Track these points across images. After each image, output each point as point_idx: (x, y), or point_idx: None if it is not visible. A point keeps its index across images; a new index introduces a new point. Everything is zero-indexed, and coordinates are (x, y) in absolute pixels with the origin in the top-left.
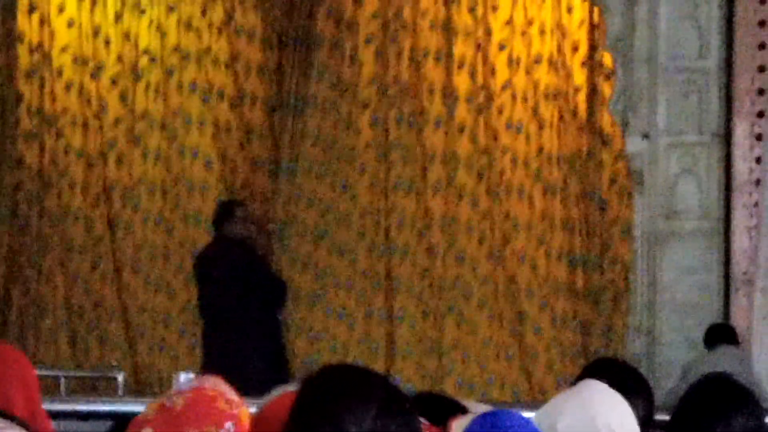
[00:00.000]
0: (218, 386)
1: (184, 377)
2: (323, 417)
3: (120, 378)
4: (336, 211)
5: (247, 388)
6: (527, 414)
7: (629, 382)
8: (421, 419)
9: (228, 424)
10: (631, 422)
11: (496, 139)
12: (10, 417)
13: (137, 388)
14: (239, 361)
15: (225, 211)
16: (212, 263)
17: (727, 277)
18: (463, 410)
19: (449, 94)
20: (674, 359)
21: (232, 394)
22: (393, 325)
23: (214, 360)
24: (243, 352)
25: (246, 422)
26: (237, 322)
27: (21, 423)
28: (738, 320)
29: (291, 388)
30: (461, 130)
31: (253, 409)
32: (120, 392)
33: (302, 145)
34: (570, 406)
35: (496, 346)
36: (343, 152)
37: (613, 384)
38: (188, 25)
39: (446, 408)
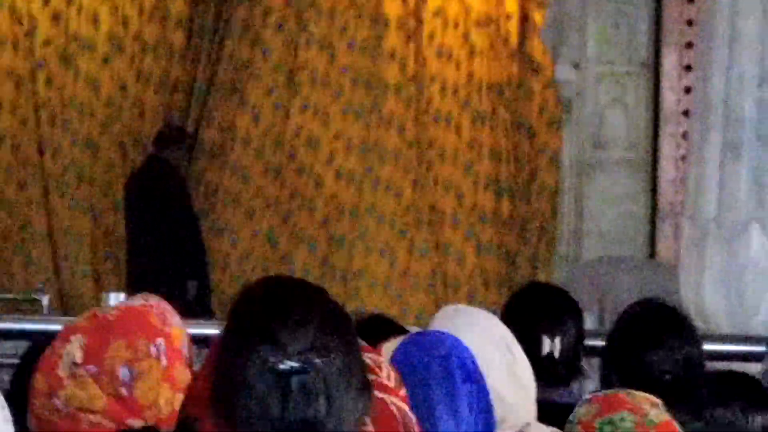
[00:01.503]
0: (151, 301)
1: (113, 296)
2: (260, 334)
3: (44, 300)
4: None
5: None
6: None
7: (560, 304)
8: (363, 341)
9: (159, 341)
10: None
11: (425, 66)
12: None
13: (62, 311)
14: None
15: (175, 137)
16: (149, 186)
17: (653, 207)
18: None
19: (377, 20)
20: None
21: (168, 312)
22: (298, 250)
23: (140, 285)
24: (169, 279)
25: (178, 341)
26: (164, 247)
27: None
28: (663, 250)
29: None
30: (391, 56)
31: (214, 331)
32: (45, 314)
33: (218, 66)
34: (463, 328)
35: (414, 275)
36: (253, 74)
37: (544, 308)
38: None
39: (392, 332)
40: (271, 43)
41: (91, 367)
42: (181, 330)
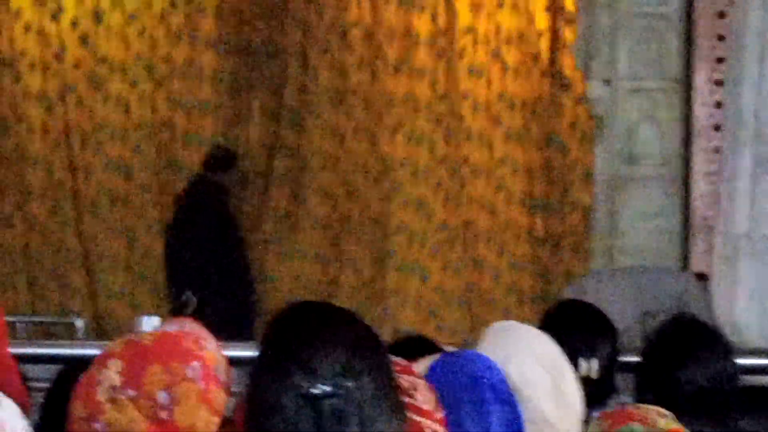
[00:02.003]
0: (187, 327)
1: (146, 320)
2: (292, 359)
3: (79, 324)
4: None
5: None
6: None
7: (595, 323)
8: (400, 359)
9: (195, 363)
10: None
11: (456, 83)
12: None
13: (97, 335)
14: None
15: (225, 159)
16: (184, 209)
17: (686, 222)
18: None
19: (409, 38)
20: None
21: (202, 335)
22: (341, 270)
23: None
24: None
25: (213, 363)
26: (208, 269)
27: None
28: (697, 265)
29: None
30: (421, 74)
31: (248, 353)
32: (80, 337)
33: (264, 90)
34: (510, 346)
35: (448, 292)
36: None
37: (578, 325)
38: None
39: (430, 351)
40: (318, 66)
41: (130, 392)
42: (216, 353)
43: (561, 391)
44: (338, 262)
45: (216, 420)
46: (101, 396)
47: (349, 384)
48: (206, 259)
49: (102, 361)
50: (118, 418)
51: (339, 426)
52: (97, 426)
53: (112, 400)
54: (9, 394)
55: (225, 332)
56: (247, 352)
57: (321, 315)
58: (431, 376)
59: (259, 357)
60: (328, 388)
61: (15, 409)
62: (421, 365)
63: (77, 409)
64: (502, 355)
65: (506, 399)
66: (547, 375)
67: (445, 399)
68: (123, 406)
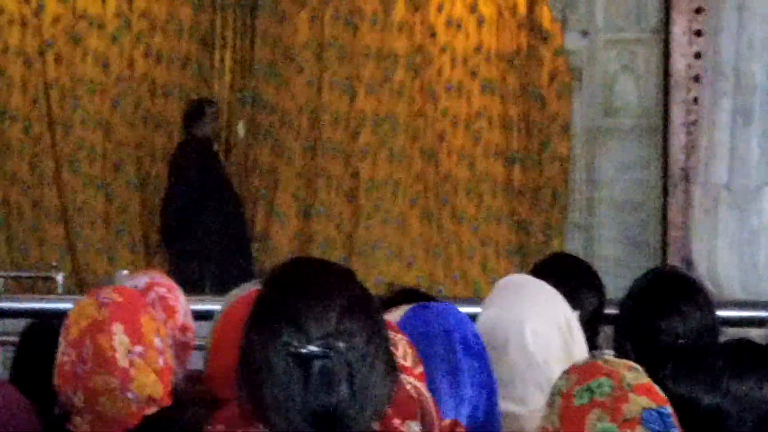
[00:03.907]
0: (157, 278)
1: (125, 275)
2: (284, 317)
3: (59, 278)
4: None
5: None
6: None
7: (581, 277)
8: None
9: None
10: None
11: (433, 35)
12: None
13: (77, 289)
14: (200, 262)
15: (195, 111)
16: (178, 163)
17: (665, 173)
18: None
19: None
20: (611, 256)
21: (169, 285)
22: (319, 223)
23: (177, 261)
24: (204, 251)
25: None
26: (198, 223)
27: None
28: (676, 216)
29: (249, 285)
30: (399, 28)
31: (215, 307)
32: (60, 292)
33: (249, 43)
34: (526, 307)
35: (426, 244)
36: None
37: (564, 279)
38: None
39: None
40: (297, 21)
41: (138, 348)
42: (182, 303)
43: (570, 352)
44: (318, 215)
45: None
46: (123, 362)
47: (340, 344)
48: (204, 219)
49: (103, 329)
50: (142, 381)
51: (328, 386)
52: (130, 395)
53: (132, 364)
54: None
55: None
56: (214, 306)
57: (315, 273)
58: (403, 328)
59: (251, 314)
60: (317, 349)
61: None
62: (392, 317)
63: (102, 380)
64: (517, 317)
65: (477, 352)
66: (561, 340)
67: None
68: (139, 367)
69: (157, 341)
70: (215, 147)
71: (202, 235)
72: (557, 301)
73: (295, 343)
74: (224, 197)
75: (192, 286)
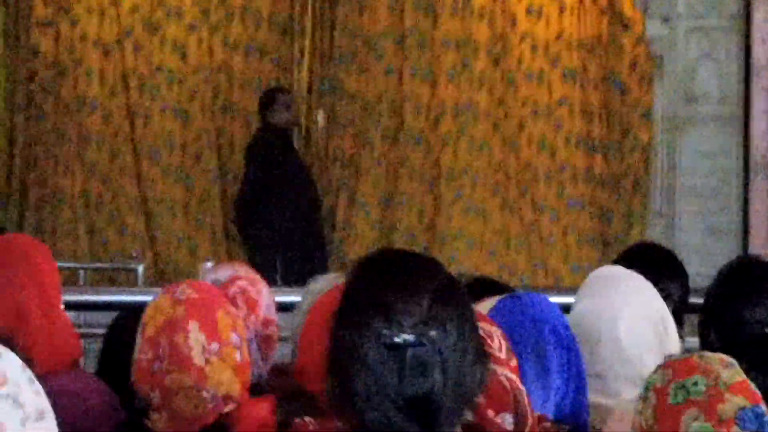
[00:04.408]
0: (241, 271)
1: (211, 266)
2: (375, 307)
3: (140, 269)
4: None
5: (286, 277)
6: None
7: (666, 266)
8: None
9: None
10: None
11: (514, 24)
12: None
13: (157, 280)
14: (273, 251)
15: (267, 99)
16: (251, 153)
17: (746, 161)
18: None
19: None
20: (693, 244)
21: (253, 278)
22: (401, 211)
23: (250, 250)
24: (283, 240)
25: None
26: (272, 212)
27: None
28: (756, 204)
29: (328, 278)
30: (479, 16)
31: (289, 298)
32: (140, 283)
33: (328, 32)
34: (620, 300)
35: (507, 233)
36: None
37: (649, 268)
38: None
39: (499, 293)
40: (377, 9)
41: (214, 345)
42: (265, 295)
43: (664, 347)
44: (400, 204)
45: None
46: (199, 360)
47: (432, 333)
48: (278, 208)
49: (178, 327)
50: (217, 378)
51: (422, 375)
52: (205, 394)
53: (207, 362)
54: (59, 343)
55: (302, 279)
56: (288, 297)
57: (404, 263)
58: (493, 319)
59: (341, 305)
60: (410, 337)
61: (16, 360)
62: (483, 307)
63: (175, 382)
64: (610, 311)
65: (567, 343)
66: (655, 335)
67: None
68: (215, 364)
69: (233, 337)
70: (292, 135)
71: (275, 224)
72: (651, 294)
73: (388, 333)
74: (299, 186)
75: (265, 276)
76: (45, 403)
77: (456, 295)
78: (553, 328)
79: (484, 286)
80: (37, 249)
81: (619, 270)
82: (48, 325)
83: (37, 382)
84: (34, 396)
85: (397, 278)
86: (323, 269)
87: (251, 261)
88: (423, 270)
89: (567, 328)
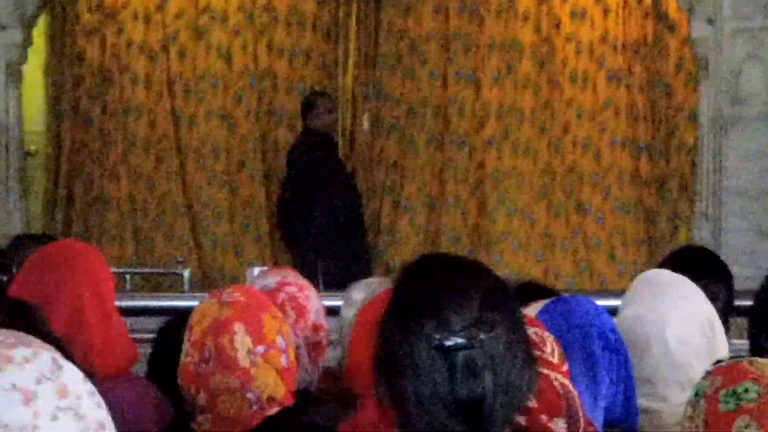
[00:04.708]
0: (289, 277)
1: (258, 270)
2: (424, 310)
3: (186, 274)
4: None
5: (327, 280)
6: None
7: (711, 269)
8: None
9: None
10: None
11: (558, 26)
12: (40, 332)
13: (203, 284)
14: (320, 256)
15: (307, 103)
16: (292, 156)
17: None
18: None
19: None
20: (739, 245)
21: (302, 284)
22: (446, 215)
23: (297, 256)
24: (324, 247)
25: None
26: (313, 215)
27: (47, 332)
28: None
29: (378, 280)
30: (524, 19)
31: (333, 303)
32: (186, 288)
33: (373, 36)
34: (668, 305)
35: (553, 236)
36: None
37: (694, 271)
38: None
39: (545, 297)
40: (422, 12)
41: (260, 347)
42: (315, 301)
43: (713, 351)
44: (445, 207)
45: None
46: (244, 362)
47: (483, 336)
48: (321, 212)
49: (224, 330)
50: (263, 381)
51: (473, 378)
52: (250, 396)
53: (253, 364)
54: (116, 348)
55: (343, 283)
56: (328, 301)
57: (452, 266)
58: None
59: (389, 309)
60: (461, 340)
61: (77, 373)
62: (529, 311)
63: (220, 383)
64: (659, 317)
65: (615, 347)
66: (703, 339)
67: None
68: (260, 367)
69: (279, 340)
70: (335, 139)
71: (316, 227)
72: (698, 298)
73: (438, 336)
74: (340, 189)
75: (306, 280)
76: (105, 416)
77: (505, 298)
78: (601, 331)
79: (530, 291)
80: (93, 255)
81: (666, 274)
82: (105, 331)
83: (97, 395)
84: (95, 408)
85: (447, 281)
86: (364, 273)
87: (294, 264)
88: (472, 273)
89: (615, 331)
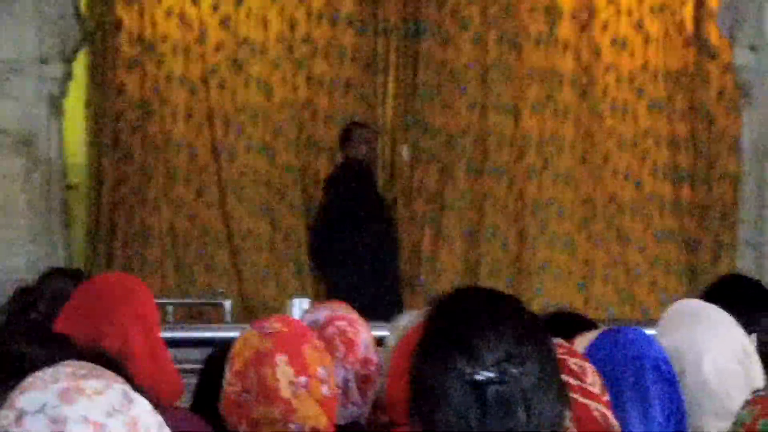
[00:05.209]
0: (340, 311)
1: (297, 303)
2: (456, 345)
3: (227, 305)
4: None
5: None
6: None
7: (755, 298)
8: (560, 340)
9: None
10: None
11: (598, 55)
12: (101, 356)
13: (244, 315)
14: (352, 285)
15: (345, 134)
16: (329, 185)
17: None
18: (595, 328)
19: (551, 11)
20: None
21: (353, 317)
22: (486, 245)
23: (330, 284)
24: (356, 276)
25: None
26: (349, 245)
27: (113, 362)
28: None
29: (415, 314)
30: (564, 48)
31: (378, 333)
32: (228, 319)
33: (412, 66)
34: (704, 335)
35: (594, 265)
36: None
37: (738, 301)
38: None
39: (580, 326)
40: (461, 43)
41: (302, 378)
42: (365, 334)
43: (751, 383)
44: (485, 237)
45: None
46: (286, 392)
47: (514, 370)
48: (355, 241)
49: (266, 360)
50: (304, 412)
51: (505, 413)
52: (292, 427)
53: (294, 395)
54: (163, 380)
55: (374, 313)
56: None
57: (484, 300)
58: (591, 355)
59: (422, 341)
60: (493, 375)
61: (147, 406)
62: (579, 343)
63: (261, 413)
64: (694, 348)
65: (669, 379)
66: (740, 369)
67: (605, 378)
68: (302, 398)
69: (320, 371)
70: (373, 169)
71: (349, 257)
72: (733, 328)
73: (470, 370)
74: (375, 219)
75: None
76: None
77: (537, 331)
78: (653, 363)
79: (565, 320)
80: (139, 288)
81: (700, 304)
82: (152, 364)
83: (166, 427)
84: None
85: (478, 315)
86: (395, 304)
87: (326, 294)
88: (503, 307)
89: (667, 362)
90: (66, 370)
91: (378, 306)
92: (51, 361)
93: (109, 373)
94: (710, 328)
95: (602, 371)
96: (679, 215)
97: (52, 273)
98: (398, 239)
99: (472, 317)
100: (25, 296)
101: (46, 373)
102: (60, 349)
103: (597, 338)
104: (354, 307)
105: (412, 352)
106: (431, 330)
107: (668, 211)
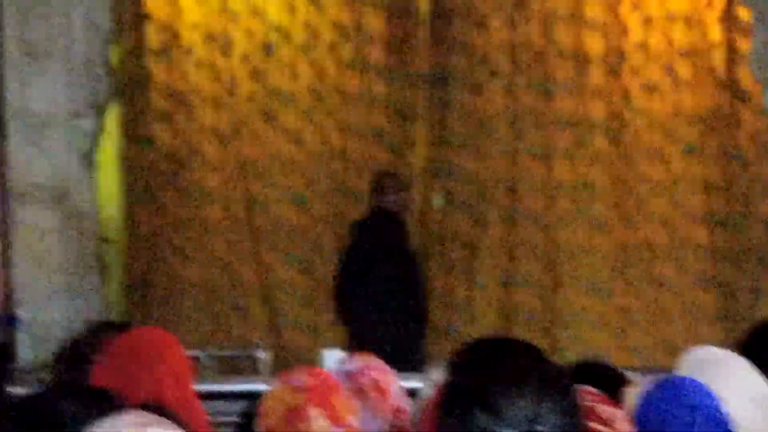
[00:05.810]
0: (372, 363)
1: (329, 354)
2: (478, 402)
3: (263, 357)
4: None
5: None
6: None
7: None
8: (589, 387)
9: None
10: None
11: (629, 100)
12: (158, 408)
13: (280, 367)
14: (372, 330)
15: (375, 183)
16: (356, 229)
17: None
18: (623, 378)
19: (580, 57)
20: None
21: (384, 370)
22: (520, 292)
23: (356, 332)
24: (377, 321)
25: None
26: (372, 289)
27: (170, 414)
28: None
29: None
30: (594, 94)
31: (410, 384)
32: (263, 371)
33: (441, 114)
34: (725, 382)
35: (630, 312)
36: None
37: None
38: (317, 1)
39: (609, 376)
40: (491, 91)
41: (336, 429)
42: (392, 385)
43: None
44: (519, 285)
45: None
46: None
47: (538, 428)
48: (381, 287)
49: (300, 415)
50: None
51: None
52: None
53: None
54: None
55: (400, 361)
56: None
57: (504, 354)
58: (645, 405)
59: (442, 400)
60: None
61: None
62: (633, 392)
63: None
64: (717, 394)
65: (724, 428)
66: (760, 413)
67: (660, 428)
68: None
69: (353, 420)
70: (403, 218)
71: (371, 304)
72: (752, 375)
73: (492, 428)
74: (401, 266)
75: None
76: None
77: (560, 385)
78: (708, 413)
79: (590, 370)
80: (172, 343)
81: (717, 351)
82: (186, 418)
83: None
84: None
85: (499, 371)
86: (419, 352)
87: (349, 340)
88: (525, 361)
89: (721, 412)
90: (127, 419)
91: (397, 353)
92: (91, 416)
93: (169, 423)
94: (729, 375)
95: (657, 422)
96: (715, 260)
97: (102, 327)
98: (424, 285)
99: (493, 372)
100: (78, 349)
101: (103, 425)
102: (100, 403)
103: (650, 388)
104: (372, 352)
105: (437, 405)
106: (452, 386)
107: (703, 257)
